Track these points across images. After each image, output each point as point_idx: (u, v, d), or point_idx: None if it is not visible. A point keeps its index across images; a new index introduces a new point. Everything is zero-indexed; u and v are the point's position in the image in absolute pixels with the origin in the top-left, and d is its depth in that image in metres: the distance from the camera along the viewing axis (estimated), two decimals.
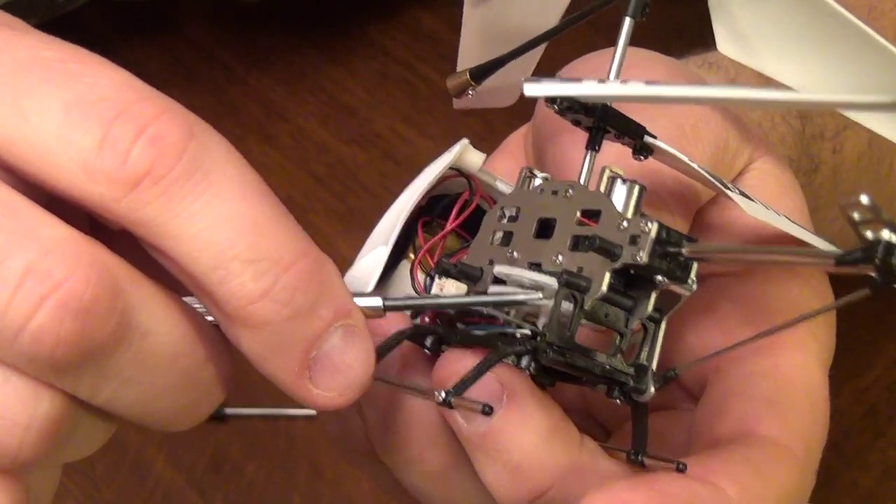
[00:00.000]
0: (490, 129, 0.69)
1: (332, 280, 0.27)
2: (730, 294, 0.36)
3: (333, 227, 0.68)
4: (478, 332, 0.31)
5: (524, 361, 0.30)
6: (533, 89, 0.30)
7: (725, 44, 0.35)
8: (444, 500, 0.34)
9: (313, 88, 0.76)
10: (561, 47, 0.39)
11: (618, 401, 0.31)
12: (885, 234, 0.25)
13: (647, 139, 0.31)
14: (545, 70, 0.38)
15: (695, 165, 0.32)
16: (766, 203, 0.34)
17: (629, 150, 0.32)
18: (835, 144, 0.46)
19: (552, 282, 0.29)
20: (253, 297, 0.25)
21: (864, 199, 0.25)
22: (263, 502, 0.59)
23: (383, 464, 0.34)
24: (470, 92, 0.35)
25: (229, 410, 0.67)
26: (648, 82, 0.30)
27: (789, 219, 0.34)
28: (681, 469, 0.30)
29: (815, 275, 0.36)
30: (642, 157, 0.32)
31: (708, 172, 0.32)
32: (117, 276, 0.25)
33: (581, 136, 0.32)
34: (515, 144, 0.41)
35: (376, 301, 0.29)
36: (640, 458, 0.31)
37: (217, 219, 0.25)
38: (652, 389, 0.31)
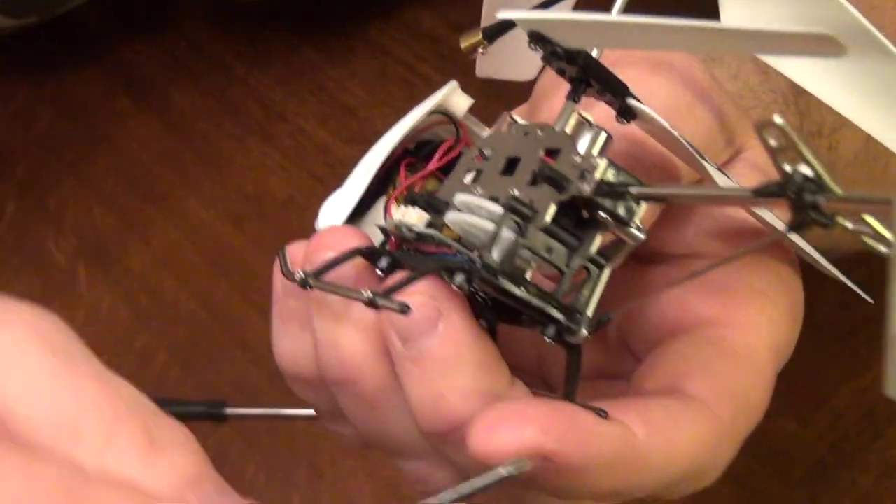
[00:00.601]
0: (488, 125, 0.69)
1: None
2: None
3: None
4: (431, 258, 0.32)
5: (458, 278, 0.30)
6: (507, 14, 0.31)
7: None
8: (379, 427, 0.34)
9: (313, 88, 0.76)
10: None
11: (550, 341, 0.31)
12: (804, 168, 0.25)
13: (631, 101, 0.31)
14: None
15: (676, 133, 0.32)
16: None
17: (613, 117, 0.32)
18: (831, 141, 0.46)
19: (499, 209, 0.30)
20: None
21: (778, 119, 0.24)
22: (263, 502, 0.59)
23: (328, 392, 0.34)
24: (481, 50, 0.35)
25: (229, 410, 0.67)
26: (619, 13, 0.30)
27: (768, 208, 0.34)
28: (601, 415, 0.30)
29: (786, 266, 0.37)
30: (625, 120, 0.32)
31: (689, 144, 0.32)
32: None
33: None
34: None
35: None
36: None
37: None
38: (584, 332, 0.31)
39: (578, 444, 0.29)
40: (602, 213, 0.30)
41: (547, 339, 0.31)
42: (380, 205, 0.37)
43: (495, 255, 0.30)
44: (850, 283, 0.37)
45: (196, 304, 0.67)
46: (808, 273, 0.38)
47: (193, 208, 0.71)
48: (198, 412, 0.64)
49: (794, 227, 0.26)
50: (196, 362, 0.65)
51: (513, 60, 0.36)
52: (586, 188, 0.29)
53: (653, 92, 0.34)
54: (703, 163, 0.32)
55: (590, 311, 0.31)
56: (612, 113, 0.32)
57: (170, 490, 0.26)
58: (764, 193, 0.26)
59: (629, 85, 0.32)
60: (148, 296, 0.67)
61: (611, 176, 0.30)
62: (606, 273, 0.32)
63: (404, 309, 0.29)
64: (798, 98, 0.43)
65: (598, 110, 0.32)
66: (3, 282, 0.67)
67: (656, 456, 0.31)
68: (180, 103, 0.75)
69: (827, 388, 0.61)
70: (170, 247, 0.69)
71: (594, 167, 0.30)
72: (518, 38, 0.36)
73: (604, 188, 0.30)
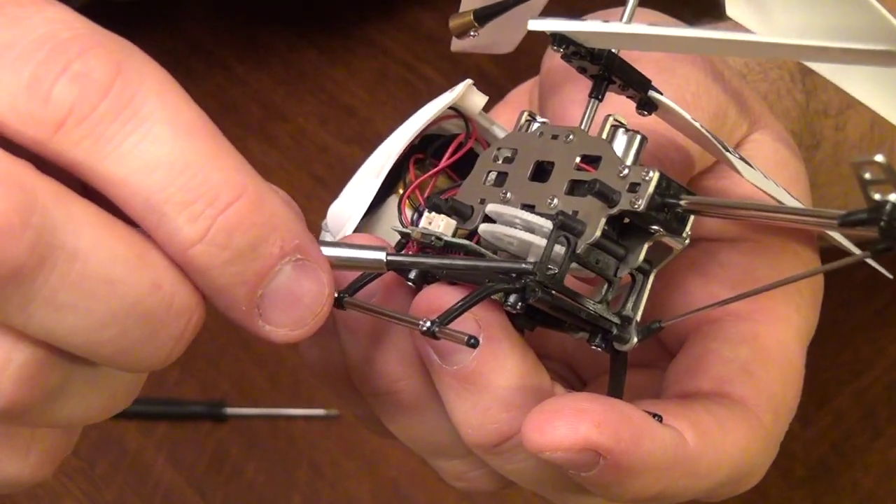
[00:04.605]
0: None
1: (278, 215, 0.26)
2: (720, 259, 0.36)
3: None
4: (463, 267, 0.31)
5: (512, 299, 0.29)
6: (537, 25, 0.30)
7: (734, 8, 0.35)
8: (416, 433, 0.34)
9: (313, 88, 0.76)
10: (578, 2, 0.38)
11: (598, 349, 0.31)
12: (894, 197, 0.25)
13: (652, 94, 0.31)
14: None
15: (697, 124, 0.31)
16: (765, 172, 0.34)
17: (632, 110, 0.32)
18: (838, 122, 0.46)
19: (546, 223, 0.29)
20: (189, 242, 0.24)
21: (880, 158, 0.24)
22: (263, 502, 0.59)
23: (360, 396, 0.34)
24: (472, 33, 0.35)
25: (229, 410, 0.67)
26: (652, 23, 0.30)
27: (787, 191, 0.34)
28: (657, 418, 0.30)
29: (807, 251, 0.37)
30: (645, 113, 0.31)
31: (710, 133, 0.32)
32: (36, 194, 0.23)
33: (583, 89, 0.32)
34: (518, 97, 0.41)
35: (379, 255, 0.28)
36: None
37: (147, 160, 0.24)
38: (635, 339, 0.31)
39: (631, 443, 0.29)
40: (655, 227, 0.30)
41: (594, 347, 0.31)
42: (390, 204, 0.35)
43: (546, 270, 0.29)
44: (875, 265, 0.37)
45: None
46: None
47: None
48: (198, 412, 0.64)
49: (881, 251, 0.25)
50: (196, 362, 0.64)
51: (491, 35, 0.36)
52: (641, 204, 0.29)
53: (659, 88, 0.34)
54: (729, 155, 0.32)
55: (638, 318, 0.31)
56: (628, 108, 0.31)
57: None
58: (851, 222, 0.26)
59: None
60: None
61: (663, 187, 0.29)
62: (651, 279, 0.31)
63: (472, 342, 0.28)
64: (805, 77, 0.43)
65: (614, 103, 0.32)
66: None
67: (705, 462, 0.31)
68: None
69: (828, 388, 0.61)
70: None
71: (647, 181, 0.29)
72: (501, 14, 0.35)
73: (656, 201, 0.29)
